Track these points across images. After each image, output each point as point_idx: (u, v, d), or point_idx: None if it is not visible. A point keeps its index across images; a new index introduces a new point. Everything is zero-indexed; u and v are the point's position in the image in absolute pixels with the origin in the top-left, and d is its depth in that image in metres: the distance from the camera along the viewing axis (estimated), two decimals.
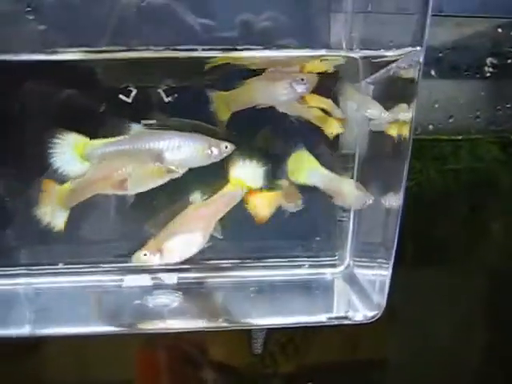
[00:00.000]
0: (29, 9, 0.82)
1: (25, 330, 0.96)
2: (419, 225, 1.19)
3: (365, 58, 0.90)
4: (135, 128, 0.94)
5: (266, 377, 1.27)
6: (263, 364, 1.24)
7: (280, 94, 0.94)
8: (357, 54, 0.89)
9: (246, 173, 0.97)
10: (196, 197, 0.99)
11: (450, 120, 1.18)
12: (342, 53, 0.88)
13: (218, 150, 0.93)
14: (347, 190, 1.03)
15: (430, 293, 1.26)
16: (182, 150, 0.92)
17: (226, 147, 0.93)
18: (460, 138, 1.20)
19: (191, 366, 1.26)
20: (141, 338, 1.20)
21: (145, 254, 0.95)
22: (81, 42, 0.82)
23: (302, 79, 0.93)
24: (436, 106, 1.16)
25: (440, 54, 1.13)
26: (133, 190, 0.94)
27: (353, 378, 1.29)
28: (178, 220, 0.98)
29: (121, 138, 0.93)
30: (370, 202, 1.01)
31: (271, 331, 1.20)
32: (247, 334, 1.20)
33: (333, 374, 1.28)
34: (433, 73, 1.15)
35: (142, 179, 0.93)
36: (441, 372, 1.29)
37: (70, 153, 0.92)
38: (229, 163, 0.96)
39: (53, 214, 0.94)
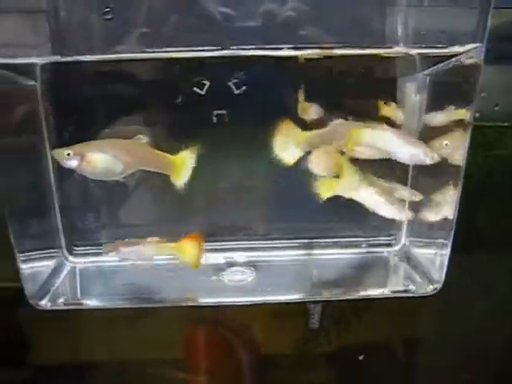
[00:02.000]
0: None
1: (110, 303, 1.07)
2: (466, 210, 1.24)
3: (420, 54, 0.96)
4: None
5: (320, 351, 1.34)
6: (318, 339, 1.31)
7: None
8: (416, 51, 0.94)
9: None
10: None
11: (496, 108, 1.22)
12: (401, 50, 0.92)
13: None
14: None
15: (474, 277, 1.30)
16: None
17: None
18: (506, 124, 1.25)
19: (247, 342, 1.34)
20: (196, 315, 1.25)
21: (68, 154, 0.96)
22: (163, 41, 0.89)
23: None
24: (482, 94, 1.20)
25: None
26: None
27: (402, 355, 1.35)
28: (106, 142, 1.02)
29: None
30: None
31: (325, 307, 1.27)
32: (302, 309, 1.27)
33: (381, 350, 1.34)
34: None
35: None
36: (490, 354, 1.34)
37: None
38: None
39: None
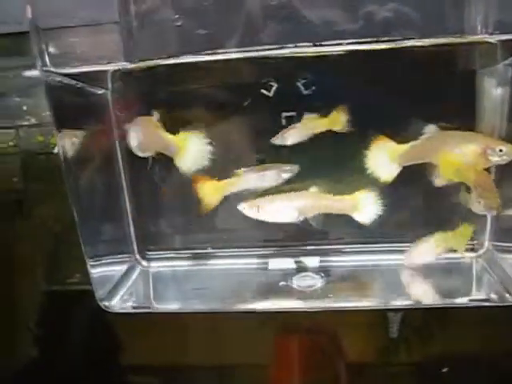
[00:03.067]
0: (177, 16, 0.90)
1: (179, 306, 1.08)
2: None
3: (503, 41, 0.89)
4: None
5: (400, 362, 1.28)
6: (398, 349, 1.26)
7: (470, 160, 0.93)
8: (494, 39, 0.87)
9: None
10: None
11: None
12: (479, 38, 0.86)
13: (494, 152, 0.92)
14: None
15: None
16: None
17: (501, 150, 0.91)
18: None
19: (326, 351, 1.31)
20: (277, 323, 1.23)
21: (243, 208, 1.03)
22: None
23: (501, 150, 0.91)
24: None
25: None
26: None
27: (488, 368, 1.27)
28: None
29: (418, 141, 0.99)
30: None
31: (407, 316, 1.22)
32: (383, 318, 1.23)
33: (467, 362, 1.27)
34: None
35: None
36: None
37: (385, 157, 1.00)
38: None
39: (382, 167, 1.01)
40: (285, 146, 1.05)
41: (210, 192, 1.02)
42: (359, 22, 0.84)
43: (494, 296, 0.98)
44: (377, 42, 0.84)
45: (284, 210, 1.04)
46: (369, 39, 0.84)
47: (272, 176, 1.04)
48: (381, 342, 1.27)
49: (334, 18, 0.84)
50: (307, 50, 0.85)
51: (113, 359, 1.33)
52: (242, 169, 1.04)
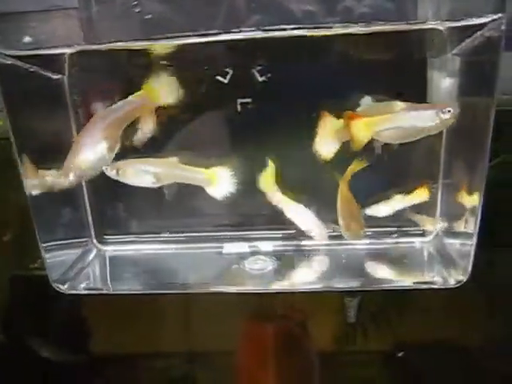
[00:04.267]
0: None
1: (136, 288, 1.09)
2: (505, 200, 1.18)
3: (447, 29, 0.92)
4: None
5: (357, 346, 1.30)
6: (355, 333, 1.28)
7: (427, 121, 0.96)
8: (440, 26, 0.90)
9: (162, 84, 1.02)
10: None
11: None
12: (425, 26, 0.89)
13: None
14: None
15: None
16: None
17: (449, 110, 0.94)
18: None
19: (286, 336, 1.33)
20: (240, 310, 1.27)
21: (106, 169, 1.02)
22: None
23: (449, 110, 0.94)
24: None
25: None
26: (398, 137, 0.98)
27: (443, 351, 1.29)
28: (83, 133, 1.01)
29: None
30: None
31: (363, 301, 1.25)
32: (341, 303, 1.25)
33: (423, 346, 1.29)
34: None
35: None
36: None
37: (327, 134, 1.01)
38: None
39: (322, 144, 1.02)
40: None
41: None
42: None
43: (438, 279, 1.00)
44: (324, 28, 0.86)
45: (141, 174, 1.04)
46: (315, 25, 0.86)
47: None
48: (338, 327, 1.29)
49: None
50: (253, 34, 0.86)
51: (78, 344, 1.35)
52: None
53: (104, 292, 1.06)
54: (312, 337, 1.31)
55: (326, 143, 1.01)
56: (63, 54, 0.98)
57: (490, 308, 1.25)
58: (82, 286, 1.06)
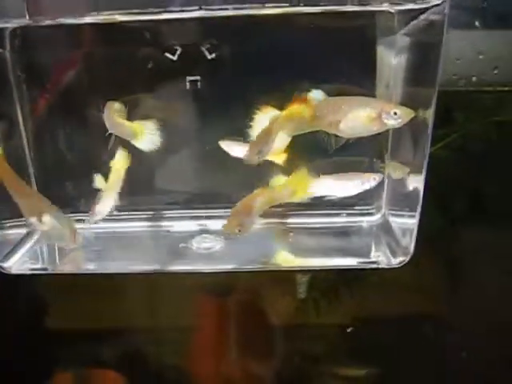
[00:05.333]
0: None
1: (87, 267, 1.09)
2: (463, 177, 1.20)
3: (397, 11, 0.93)
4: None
5: (308, 321, 1.32)
6: (306, 308, 1.30)
7: (365, 125, 0.93)
8: (390, 8, 0.91)
9: None
10: None
11: (495, 71, 1.16)
12: (372, 8, 0.90)
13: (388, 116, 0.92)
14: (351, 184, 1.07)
15: (473, 245, 1.26)
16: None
17: (396, 113, 0.91)
18: (506, 89, 1.19)
19: (240, 311, 1.34)
20: (197, 284, 1.27)
21: None
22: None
23: (395, 113, 0.91)
24: (480, 57, 1.15)
25: (484, 4, 1.11)
26: (345, 133, 0.95)
27: (393, 326, 1.32)
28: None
29: None
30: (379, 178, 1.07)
31: (314, 278, 1.26)
32: (292, 279, 1.26)
33: (373, 321, 1.32)
34: (477, 23, 1.13)
35: (353, 124, 0.93)
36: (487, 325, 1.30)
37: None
38: None
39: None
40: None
41: None
42: None
43: (382, 259, 1.02)
44: (268, 7, 0.86)
45: None
46: (259, 5, 0.85)
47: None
48: (290, 302, 1.31)
49: None
50: (195, 14, 0.85)
51: (39, 324, 1.34)
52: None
53: (49, 272, 1.05)
54: (264, 311, 1.32)
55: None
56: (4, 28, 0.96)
57: (434, 282, 1.28)
58: (27, 266, 1.05)
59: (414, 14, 0.91)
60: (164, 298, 1.30)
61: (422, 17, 0.89)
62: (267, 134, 0.95)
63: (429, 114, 0.90)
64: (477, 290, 1.28)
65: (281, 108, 0.95)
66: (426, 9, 0.86)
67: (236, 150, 1.04)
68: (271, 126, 0.95)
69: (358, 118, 0.92)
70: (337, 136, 0.98)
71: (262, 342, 1.37)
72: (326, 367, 1.37)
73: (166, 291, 1.27)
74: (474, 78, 1.16)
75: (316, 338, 1.35)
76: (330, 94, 0.95)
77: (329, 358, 1.37)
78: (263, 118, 0.96)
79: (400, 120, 0.91)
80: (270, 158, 1.00)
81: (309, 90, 0.93)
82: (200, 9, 0.84)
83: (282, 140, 0.97)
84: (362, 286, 1.27)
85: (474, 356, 1.31)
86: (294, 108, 0.94)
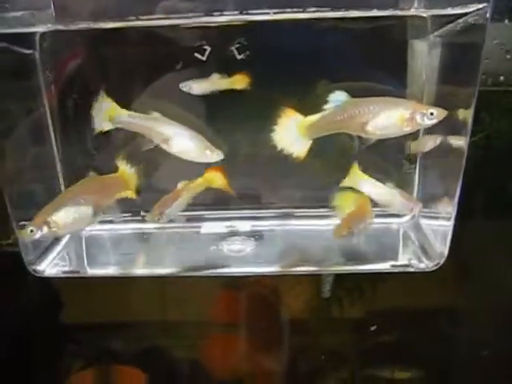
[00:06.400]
0: None
1: (112, 271, 1.08)
2: (488, 176, 1.20)
3: (431, 16, 0.93)
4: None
5: (333, 320, 1.32)
6: (330, 308, 1.30)
7: (397, 125, 0.92)
8: (424, 13, 0.91)
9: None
10: None
11: None
12: (410, 12, 0.88)
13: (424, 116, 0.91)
14: (392, 200, 1.06)
15: (497, 244, 1.26)
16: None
17: (432, 114, 0.90)
18: None
19: (264, 309, 1.34)
20: (216, 280, 1.26)
21: (31, 230, 0.93)
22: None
23: (432, 113, 0.90)
24: (508, 56, 1.14)
25: None
26: (373, 134, 0.94)
27: (417, 324, 1.32)
28: (66, 194, 1.03)
29: (332, 110, 0.94)
30: (417, 208, 1.06)
31: (339, 277, 1.26)
32: (317, 279, 1.26)
33: (397, 319, 1.32)
34: (506, 22, 1.12)
35: (383, 125, 0.92)
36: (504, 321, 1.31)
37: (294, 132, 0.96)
38: None
39: (291, 142, 0.97)
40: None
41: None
42: None
43: (414, 262, 1.02)
44: (309, 12, 0.85)
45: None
46: (297, 9, 0.84)
47: None
48: (315, 301, 1.31)
49: None
50: (236, 17, 0.85)
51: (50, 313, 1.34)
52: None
53: (81, 275, 1.05)
54: (286, 306, 1.33)
55: (294, 141, 0.97)
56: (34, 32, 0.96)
57: (463, 286, 1.28)
58: (59, 269, 1.05)
59: (451, 18, 0.90)
60: (181, 292, 1.29)
61: (461, 20, 0.88)
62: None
63: (468, 114, 0.89)
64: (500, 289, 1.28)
65: (307, 109, 0.95)
66: (467, 13, 0.85)
67: (195, 88, 1.05)
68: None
69: (390, 118, 0.92)
70: (360, 137, 0.98)
71: (280, 337, 1.37)
72: (347, 365, 1.38)
73: (182, 285, 1.27)
74: (501, 78, 1.15)
75: (338, 334, 1.36)
76: (360, 94, 0.95)
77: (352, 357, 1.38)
78: (286, 122, 0.96)
79: (435, 120, 0.90)
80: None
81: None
82: (241, 13, 0.83)
83: (304, 144, 0.97)
84: (387, 285, 1.27)
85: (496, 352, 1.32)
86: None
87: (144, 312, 1.35)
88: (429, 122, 0.91)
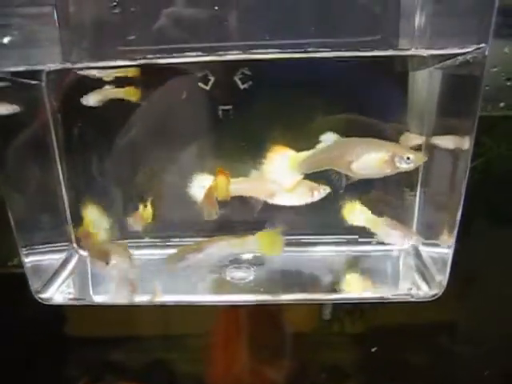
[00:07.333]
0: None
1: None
2: (489, 201, 1.21)
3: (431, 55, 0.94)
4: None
5: (333, 340, 1.34)
6: (331, 328, 1.31)
7: (377, 167, 0.95)
8: (424, 53, 0.93)
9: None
10: None
11: None
12: (410, 52, 0.91)
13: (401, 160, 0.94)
14: (389, 231, 1.07)
15: (498, 268, 1.27)
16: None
17: (409, 158, 0.94)
18: None
19: (264, 330, 1.36)
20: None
21: None
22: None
23: (409, 158, 0.93)
24: (508, 83, 1.15)
25: None
26: (357, 173, 0.97)
27: (418, 343, 1.34)
28: None
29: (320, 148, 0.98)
30: (413, 241, 1.09)
31: None
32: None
33: (398, 339, 1.33)
34: (506, 50, 1.13)
35: (366, 166, 0.96)
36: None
37: (286, 166, 0.99)
38: None
39: (283, 174, 0.99)
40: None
41: None
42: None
43: (414, 291, 1.03)
44: (310, 51, 0.88)
45: None
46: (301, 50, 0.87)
47: None
48: (315, 322, 1.32)
49: None
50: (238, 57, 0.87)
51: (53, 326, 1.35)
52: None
53: (86, 303, 1.07)
54: (287, 323, 1.34)
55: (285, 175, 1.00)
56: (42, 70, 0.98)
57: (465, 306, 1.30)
58: (65, 296, 1.06)
59: (450, 56, 0.92)
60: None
61: (460, 57, 0.89)
62: None
63: (468, 143, 0.91)
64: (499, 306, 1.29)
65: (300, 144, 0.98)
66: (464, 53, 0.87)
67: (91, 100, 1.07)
68: None
69: (371, 160, 0.95)
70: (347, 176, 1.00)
71: (283, 353, 1.38)
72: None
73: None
74: (501, 104, 1.17)
75: (339, 354, 1.37)
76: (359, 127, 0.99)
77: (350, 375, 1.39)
78: (279, 156, 0.98)
79: (412, 164, 0.94)
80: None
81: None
82: (245, 52, 0.85)
83: (294, 178, 1.00)
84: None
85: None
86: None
87: (147, 326, 1.37)
88: (406, 166, 0.94)
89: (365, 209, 1.06)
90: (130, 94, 1.06)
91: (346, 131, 0.99)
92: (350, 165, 0.95)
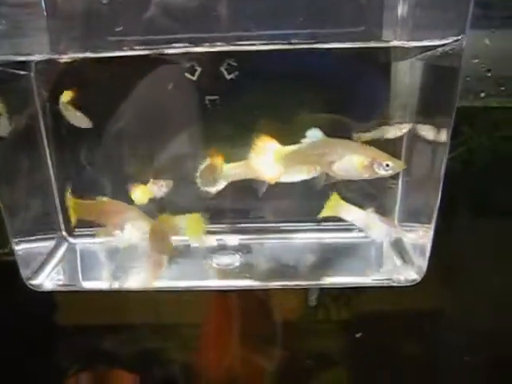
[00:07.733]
0: None
1: (106, 285, 1.12)
2: (469, 189, 1.23)
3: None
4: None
5: (319, 327, 1.37)
6: (317, 315, 1.34)
7: (357, 170, 0.97)
8: (405, 45, 0.95)
9: None
10: None
11: (502, 88, 1.19)
12: (392, 44, 0.95)
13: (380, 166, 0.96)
14: (373, 225, 1.08)
15: (478, 257, 1.30)
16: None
17: (388, 165, 0.96)
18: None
19: (251, 318, 1.38)
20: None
21: None
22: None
23: (388, 165, 0.95)
24: (488, 74, 1.17)
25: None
26: (337, 174, 0.99)
27: (403, 328, 1.36)
28: None
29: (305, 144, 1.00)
30: (396, 234, 1.10)
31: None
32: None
33: (383, 324, 1.36)
34: (487, 42, 1.16)
35: (346, 168, 0.98)
36: (490, 324, 1.33)
37: (270, 158, 1.00)
38: None
39: (267, 166, 1.00)
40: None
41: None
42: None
43: (396, 276, 1.06)
44: (294, 43, 0.90)
45: None
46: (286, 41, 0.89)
47: None
48: (301, 308, 1.34)
49: None
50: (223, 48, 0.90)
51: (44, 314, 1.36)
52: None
53: (76, 289, 1.08)
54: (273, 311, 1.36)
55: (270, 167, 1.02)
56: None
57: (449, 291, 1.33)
58: (55, 282, 1.08)
59: (430, 47, 0.94)
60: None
61: (440, 48, 0.92)
62: None
63: (446, 133, 0.93)
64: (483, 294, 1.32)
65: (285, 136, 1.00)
66: (443, 44, 0.90)
67: None
68: None
69: (351, 162, 0.97)
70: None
71: (270, 340, 1.40)
72: (334, 370, 1.42)
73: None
74: (482, 94, 1.19)
75: (325, 340, 1.40)
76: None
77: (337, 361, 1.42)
78: (261, 149, 1.00)
79: (391, 171, 0.96)
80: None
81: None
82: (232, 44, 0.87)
83: (278, 171, 1.02)
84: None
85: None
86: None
87: (138, 314, 1.38)
88: (384, 173, 0.96)
89: (348, 204, 1.07)
90: None
91: (330, 126, 1.02)
92: (332, 165, 0.98)
